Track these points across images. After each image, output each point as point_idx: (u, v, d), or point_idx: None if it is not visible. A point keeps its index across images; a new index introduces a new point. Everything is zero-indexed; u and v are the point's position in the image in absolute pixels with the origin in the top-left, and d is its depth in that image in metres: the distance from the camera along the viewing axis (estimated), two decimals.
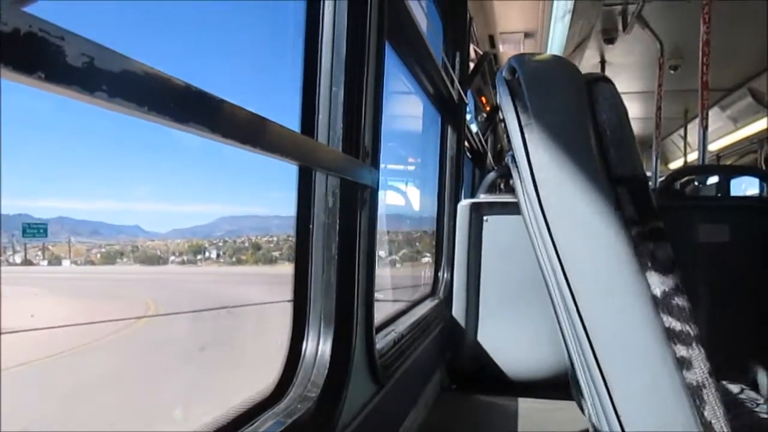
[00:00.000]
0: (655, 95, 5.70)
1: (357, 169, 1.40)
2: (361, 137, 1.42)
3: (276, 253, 4.37)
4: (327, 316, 1.38)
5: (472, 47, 3.83)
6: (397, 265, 4.19)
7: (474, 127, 4.51)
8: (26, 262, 3.14)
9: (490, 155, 4.82)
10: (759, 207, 2.71)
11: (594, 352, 0.70)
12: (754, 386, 1.80)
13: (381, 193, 1.60)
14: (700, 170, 3.99)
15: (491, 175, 3.20)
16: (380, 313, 2.28)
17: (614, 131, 0.74)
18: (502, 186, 4.12)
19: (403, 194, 3.86)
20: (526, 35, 4.58)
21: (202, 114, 0.73)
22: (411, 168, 3.94)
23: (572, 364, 1.41)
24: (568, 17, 4.08)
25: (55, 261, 3.36)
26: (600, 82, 0.76)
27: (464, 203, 2.84)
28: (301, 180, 1.39)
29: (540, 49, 4.73)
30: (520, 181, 0.97)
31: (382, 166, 1.61)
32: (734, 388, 1.77)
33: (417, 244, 4.19)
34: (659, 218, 0.71)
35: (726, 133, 7.29)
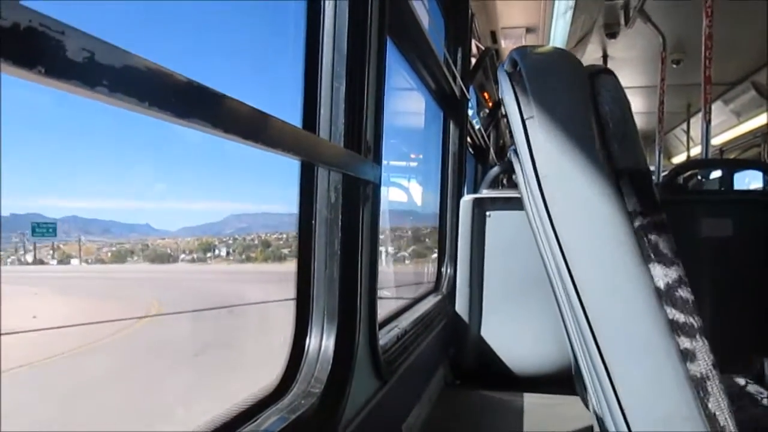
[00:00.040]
0: (657, 89, 5.69)
1: (359, 164, 1.40)
2: (363, 133, 1.42)
3: (285, 251, 4.37)
4: (330, 312, 1.38)
5: (473, 43, 3.82)
6: (406, 262, 4.19)
7: (476, 123, 4.51)
8: (37, 261, 3.15)
9: (492, 151, 4.81)
10: (762, 201, 2.70)
11: (597, 345, 0.70)
12: (758, 379, 1.79)
13: (389, 190, 1.60)
14: (703, 164, 3.97)
15: (494, 171, 3.19)
16: (389, 309, 2.28)
17: (617, 124, 0.73)
18: (504, 181, 4.13)
19: (407, 190, 3.86)
20: (528, 30, 4.56)
21: (204, 109, 0.73)
22: (414, 164, 3.94)
23: (576, 358, 1.41)
24: (570, 12, 4.07)
25: (65, 260, 3.37)
26: (602, 74, 0.76)
27: (467, 199, 2.84)
28: (303, 176, 1.39)
29: (542, 43, 4.72)
30: (523, 176, 0.97)
31: (385, 162, 1.61)
32: (738, 380, 1.76)
33: (427, 240, 4.19)
34: (662, 211, 0.71)
35: (729, 127, 7.27)
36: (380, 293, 1.60)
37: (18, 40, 0.46)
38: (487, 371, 2.80)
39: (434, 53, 2.45)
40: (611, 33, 5.00)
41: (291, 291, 1.39)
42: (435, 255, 3.12)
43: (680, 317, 0.67)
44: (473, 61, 3.67)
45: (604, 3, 4.40)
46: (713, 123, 3.98)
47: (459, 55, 3.12)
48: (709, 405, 0.66)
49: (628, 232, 0.69)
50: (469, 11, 3.35)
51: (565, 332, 1.36)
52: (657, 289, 0.68)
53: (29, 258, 3.11)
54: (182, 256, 4.27)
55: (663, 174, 5.49)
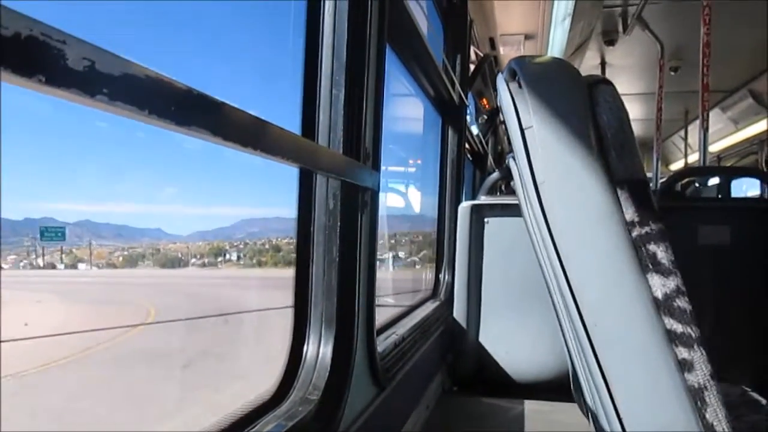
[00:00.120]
0: (655, 97, 5.71)
1: (358, 171, 1.40)
2: (362, 139, 1.42)
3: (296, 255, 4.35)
4: (328, 319, 1.38)
5: (472, 49, 3.83)
6: (417, 267, 4.19)
7: (475, 129, 4.51)
8: (48, 265, 3.15)
9: (490, 157, 4.82)
10: (760, 208, 2.71)
11: (595, 354, 0.70)
12: (757, 388, 1.79)
13: (407, 195, 1.60)
14: (701, 171, 3.98)
15: (492, 177, 3.20)
16: (401, 312, 2.26)
17: (615, 133, 0.73)
18: (503, 188, 4.13)
19: (417, 196, 3.87)
20: (527, 37, 4.57)
21: (203, 117, 0.73)
22: (412, 170, 3.95)
23: (574, 366, 1.41)
24: (568, 19, 4.09)
25: (75, 264, 3.36)
26: (600, 84, 0.76)
27: (465, 205, 2.84)
28: (302, 182, 1.39)
29: (540, 51, 4.73)
30: (521, 183, 0.97)
31: (383, 168, 1.61)
32: (736, 390, 1.76)
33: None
34: (660, 220, 0.71)
35: (727, 135, 7.29)
36: (392, 298, 1.60)
37: (19, 49, 0.46)
38: (484, 378, 2.80)
39: (433, 60, 2.46)
40: (609, 40, 5.02)
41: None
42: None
43: (678, 327, 0.67)
44: (472, 67, 3.68)
45: (603, 10, 4.42)
46: (711, 130, 4.00)
47: (458, 61, 3.13)
48: (707, 415, 0.66)
49: (626, 242, 0.69)
50: (468, 18, 3.36)
51: (563, 340, 1.36)
52: (655, 299, 0.68)
53: (41, 262, 3.11)
54: (193, 260, 4.26)
55: (660, 181, 5.50)
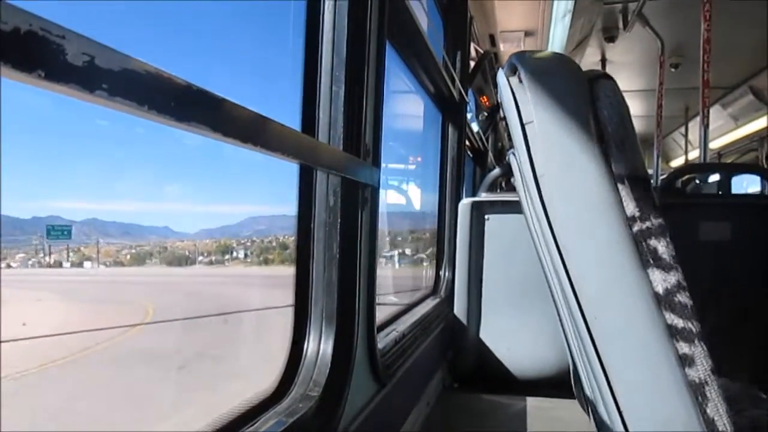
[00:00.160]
0: (656, 93, 5.70)
1: (358, 167, 1.40)
2: (362, 136, 1.42)
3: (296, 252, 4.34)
4: (328, 316, 1.38)
5: (472, 46, 3.82)
6: (424, 263, 4.18)
7: (475, 126, 4.51)
8: (56, 263, 3.15)
9: (491, 154, 4.82)
10: (760, 204, 2.71)
11: (596, 349, 0.70)
12: (757, 384, 1.79)
13: (421, 193, 1.60)
14: (701, 168, 3.98)
15: (492, 174, 3.20)
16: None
17: (616, 129, 0.73)
18: (503, 185, 4.12)
19: (411, 194, 3.86)
20: (527, 34, 4.57)
21: (203, 113, 0.73)
22: (412, 167, 3.95)
23: (574, 362, 1.41)
24: (568, 16, 4.08)
25: (82, 262, 3.37)
26: (601, 79, 0.76)
27: (465, 202, 2.84)
28: (302, 179, 1.39)
29: (541, 47, 4.72)
30: (522, 179, 0.97)
31: (383, 165, 1.61)
32: (737, 385, 1.76)
33: None
34: (661, 216, 0.71)
35: (727, 131, 7.28)
36: (397, 296, 1.60)
37: (18, 44, 0.46)
38: (485, 374, 2.80)
39: (433, 56, 2.45)
40: (610, 37, 5.01)
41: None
42: None
43: (679, 322, 0.67)
44: (472, 64, 3.68)
45: (603, 7, 4.41)
46: (711, 127, 3.99)
47: (458, 58, 3.13)
48: (708, 410, 0.66)
49: (627, 237, 0.69)
50: (468, 14, 3.35)
51: (564, 336, 1.36)
52: (656, 294, 0.68)
53: (50, 260, 3.12)
54: (200, 258, 4.26)
55: (661, 177, 5.50)
